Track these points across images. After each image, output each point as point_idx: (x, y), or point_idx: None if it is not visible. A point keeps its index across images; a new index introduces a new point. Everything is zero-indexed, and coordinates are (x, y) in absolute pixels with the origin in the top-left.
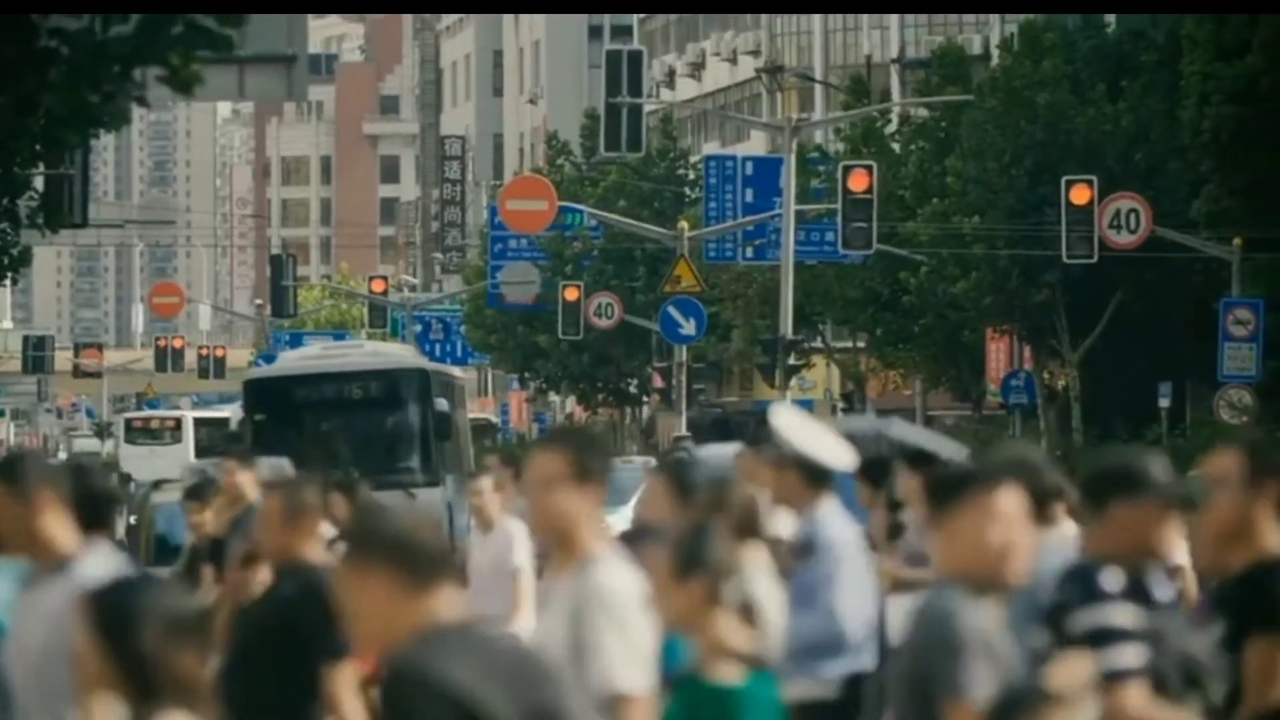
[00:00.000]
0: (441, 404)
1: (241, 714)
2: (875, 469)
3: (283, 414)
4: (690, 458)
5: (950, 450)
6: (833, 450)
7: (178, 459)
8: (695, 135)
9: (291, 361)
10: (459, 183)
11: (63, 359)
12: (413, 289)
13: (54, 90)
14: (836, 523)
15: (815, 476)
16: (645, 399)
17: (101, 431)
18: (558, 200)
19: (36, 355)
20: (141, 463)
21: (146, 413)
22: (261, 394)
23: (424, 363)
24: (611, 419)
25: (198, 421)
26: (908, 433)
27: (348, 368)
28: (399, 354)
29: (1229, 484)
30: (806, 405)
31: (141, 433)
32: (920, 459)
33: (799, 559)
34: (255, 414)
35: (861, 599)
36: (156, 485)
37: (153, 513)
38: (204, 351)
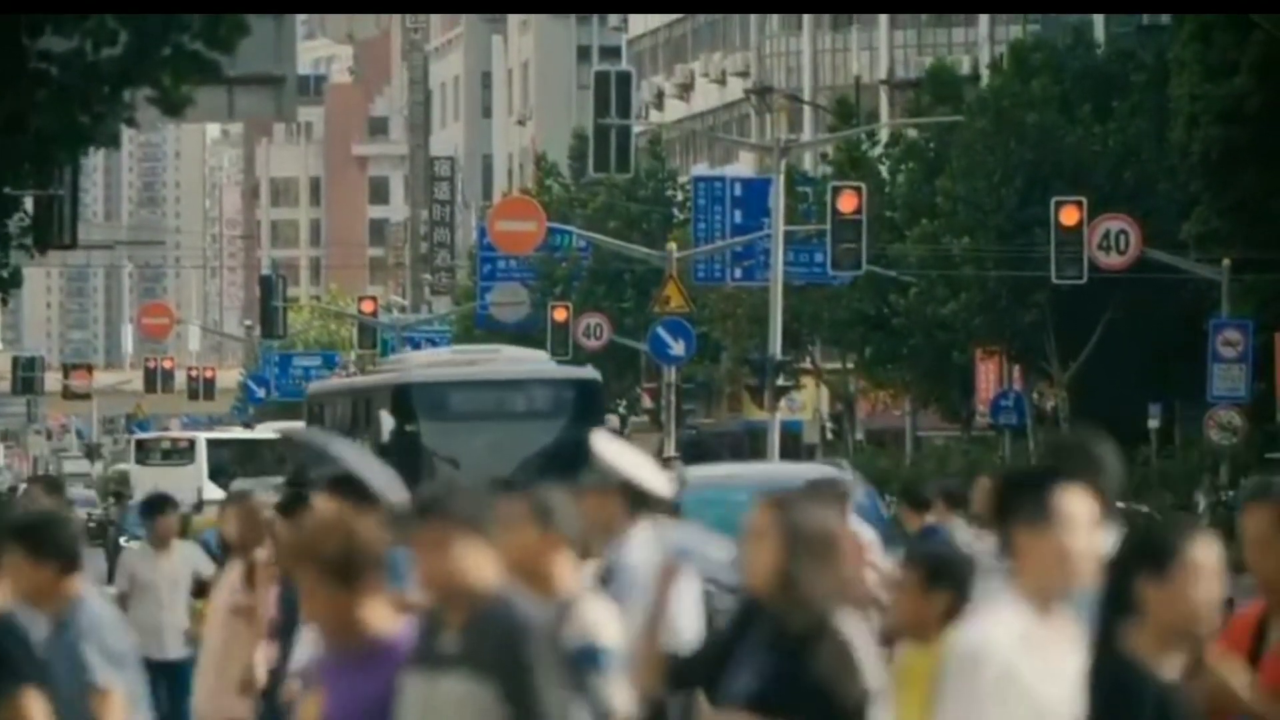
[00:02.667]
0: (613, 422)
1: None
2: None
3: (438, 424)
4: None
5: (381, 478)
6: (654, 477)
7: (191, 480)
8: (684, 156)
9: (438, 368)
10: (448, 203)
11: (52, 380)
12: (402, 309)
13: (43, 111)
14: (641, 549)
15: (636, 502)
16: (634, 419)
17: (91, 452)
18: (546, 221)
19: (26, 376)
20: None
21: (157, 433)
22: (416, 401)
23: (594, 373)
24: None
25: (211, 443)
26: (346, 455)
27: (516, 375)
28: (543, 361)
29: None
30: (796, 426)
31: (153, 453)
32: (342, 484)
33: (604, 584)
34: (406, 423)
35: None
36: (198, 508)
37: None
38: (193, 372)
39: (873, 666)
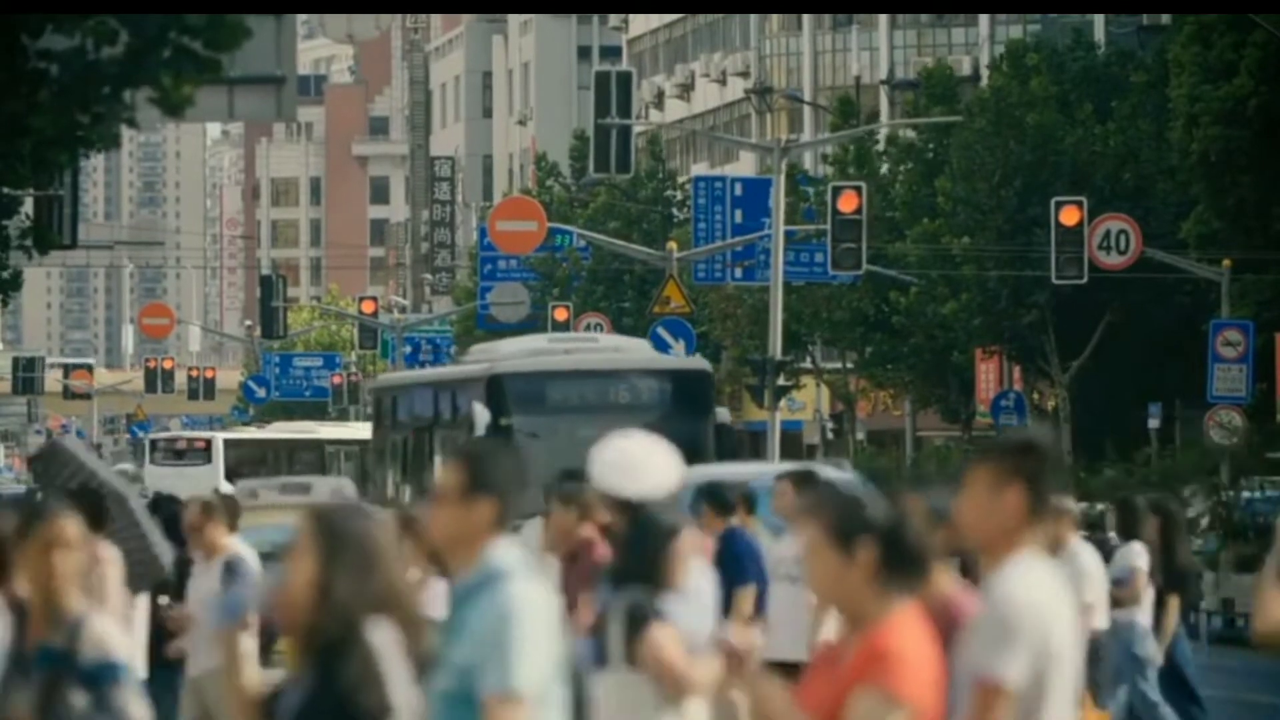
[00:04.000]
0: (723, 415)
1: None
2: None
3: (534, 418)
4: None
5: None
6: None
7: (207, 481)
8: (684, 156)
9: (534, 357)
10: (449, 203)
11: (52, 380)
12: (402, 310)
13: (43, 111)
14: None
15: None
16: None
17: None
18: (547, 221)
19: (26, 376)
20: (168, 484)
21: (173, 433)
22: (510, 393)
23: (703, 363)
24: None
25: (228, 443)
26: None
27: (619, 365)
28: (645, 349)
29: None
30: (795, 426)
31: (168, 453)
32: (80, 497)
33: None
34: (502, 416)
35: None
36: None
37: None
38: (194, 372)
39: (400, 678)
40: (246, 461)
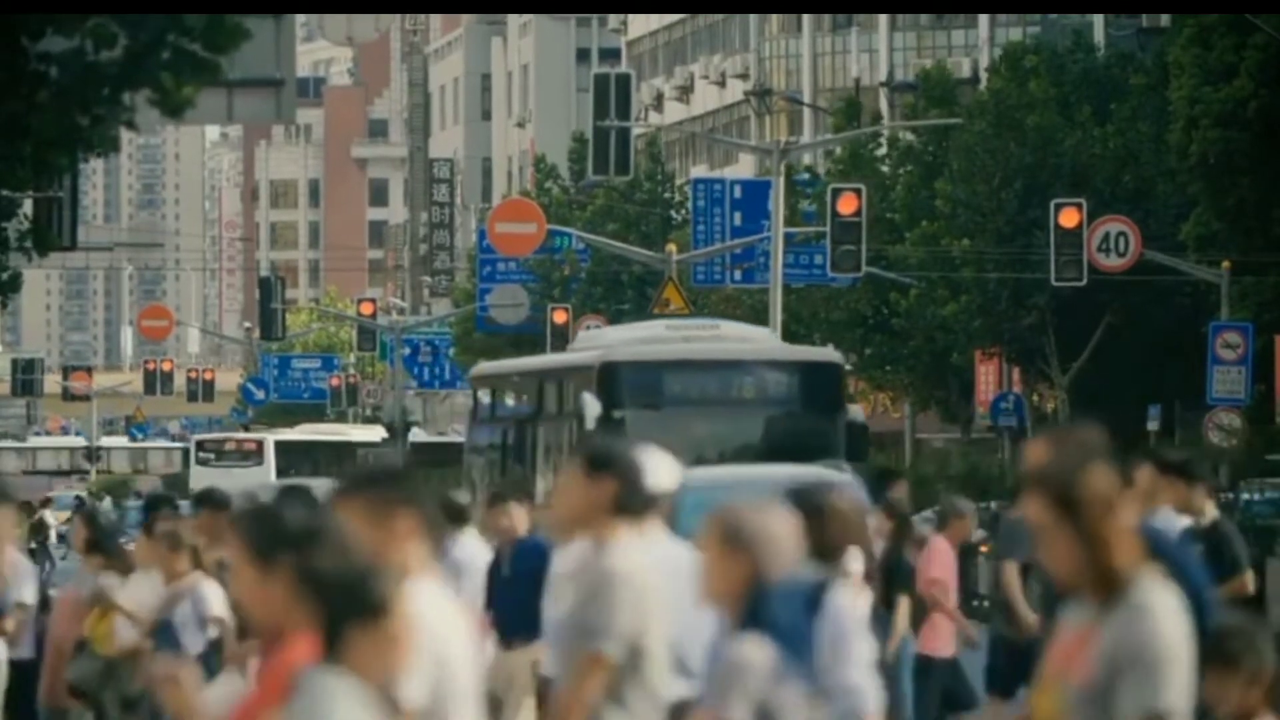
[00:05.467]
0: (855, 411)
1: None
2: None
3: (650, 411)
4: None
5: None
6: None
7: (257, 481)
8: (683, 158)
9: (650, 344)
10: (447, 206)
11: (51, 382)
12: (401, 312)
13: (43, 113)
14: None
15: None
16: None
17: (91, 455)
18: (546, 223)
19: (25, 378)
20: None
21: (221, 434)
22: (624, 383)
23: (833, 354)
24: None
25: (279, 445)
26: None
27: (742, 355)
28: (770, 338)
29: None
30: None
31: (216, 454)
32: None
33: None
34: (614, 409)
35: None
36: None
37: None
38: (193, 374)
39: None
40: (295, 463)
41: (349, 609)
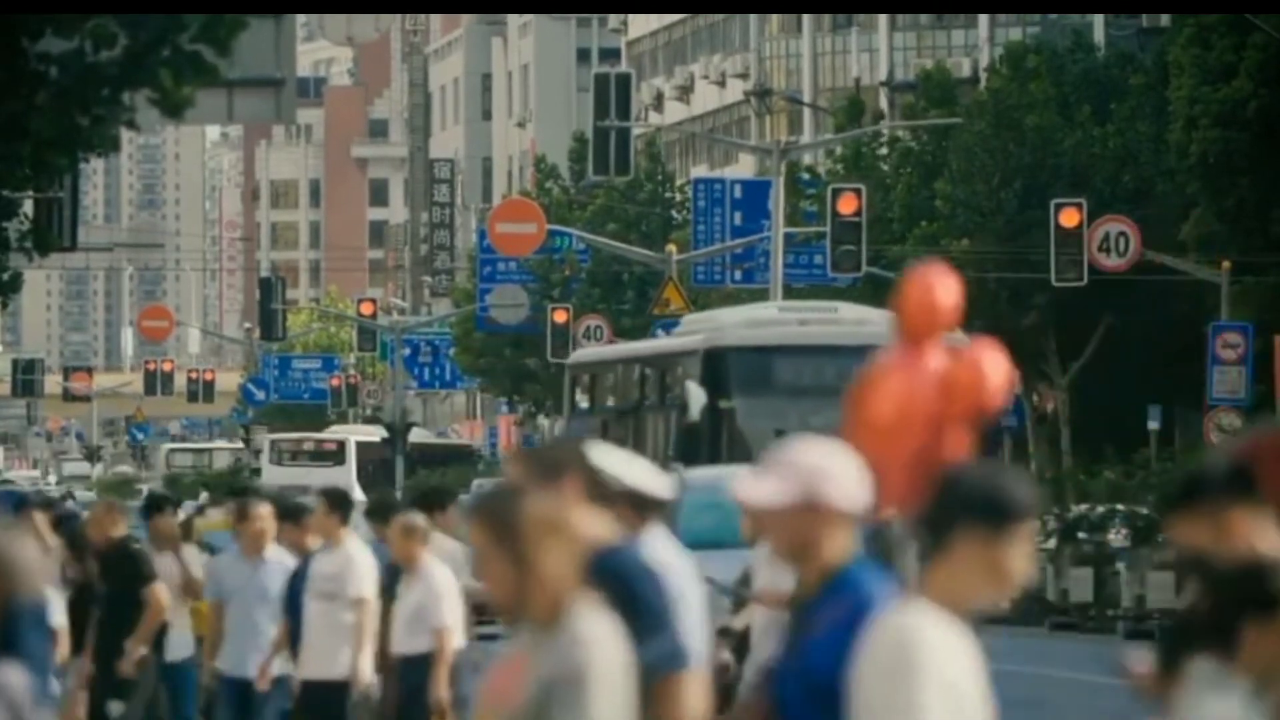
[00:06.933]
0: None
1: None
2: None
3: (759, 399)
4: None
5: None
6: (654, 480)
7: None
8: (683, 158)
9: (761, 328)
10: (448, 206)
11: (52, 383)
12: (402, 312)
13: (43, 113)
14: (663, 548)
15: (643, 505)
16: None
17: (91, 455)
18: (546, 223)
19: (26, 379)
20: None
21: (298, 435)
22: (732, 369)
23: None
24: None
25: (360, 445)
26: None
27: (860, 339)
28: (884, 322)
29: None
30: None
31: (293, 455)
32: None
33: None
34: (721, 397)
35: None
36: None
37: None
38: (193, 375)
39: None
40: (370, 463)
41: None
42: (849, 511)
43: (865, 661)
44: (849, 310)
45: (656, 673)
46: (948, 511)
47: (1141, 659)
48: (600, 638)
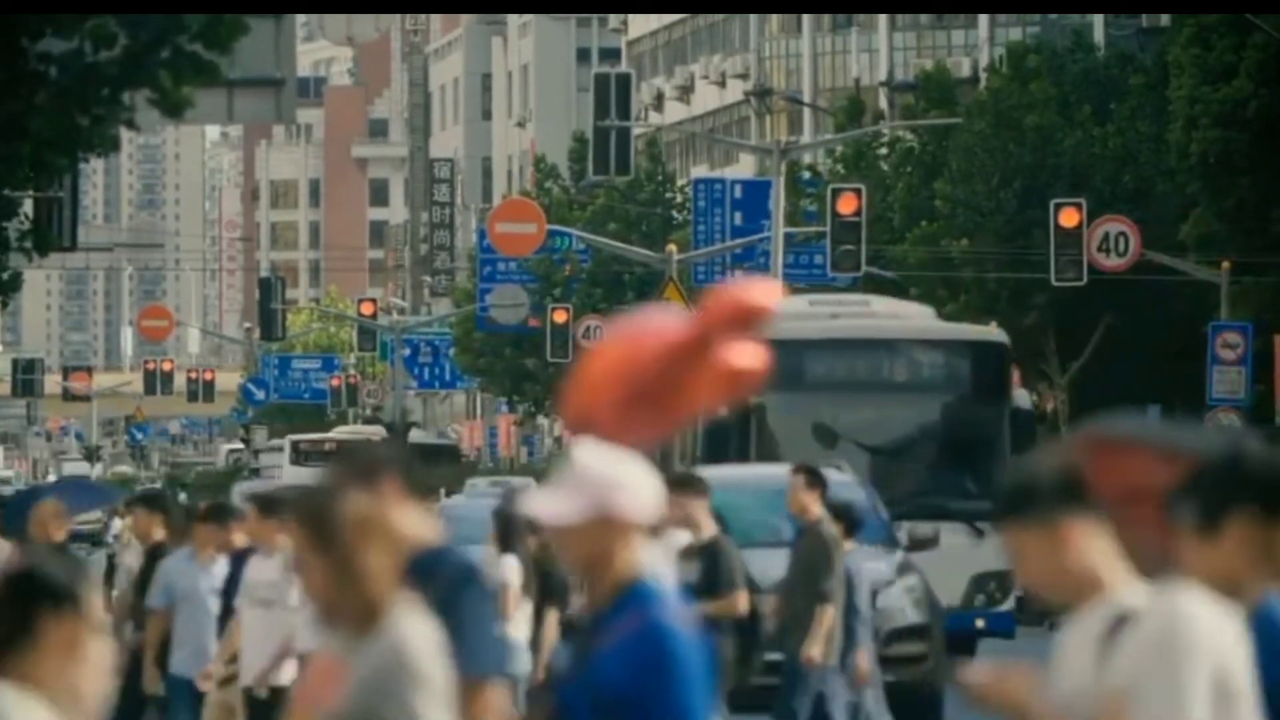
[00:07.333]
0: (1021, 397)
1: None
2: None
3: (790, 394)
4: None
5: None
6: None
7: None
8: (683, 158)
9: (790, 321)
10: (448, 205)
11: (52, 382)
12: (401, 312)
13: (43, 113)
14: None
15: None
16: None
17: (90, 455)
18: (546, 223)
19: (25, 379)
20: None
21: (319, 435)
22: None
23: (998, 334)
24: None
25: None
26: None
27: (895, 333)
28: (928, 316)
29: None
30: None
31: (314, 456)
32: None
33: None
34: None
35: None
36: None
37: None
38: (193, 374)
39: None
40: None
41: None
42: (640, 522)
43: (1133, 644)
44: (881, 303)
45: (470, 676)
46: (1224, 492)
47: (977, 670)
48: (419, 639)
